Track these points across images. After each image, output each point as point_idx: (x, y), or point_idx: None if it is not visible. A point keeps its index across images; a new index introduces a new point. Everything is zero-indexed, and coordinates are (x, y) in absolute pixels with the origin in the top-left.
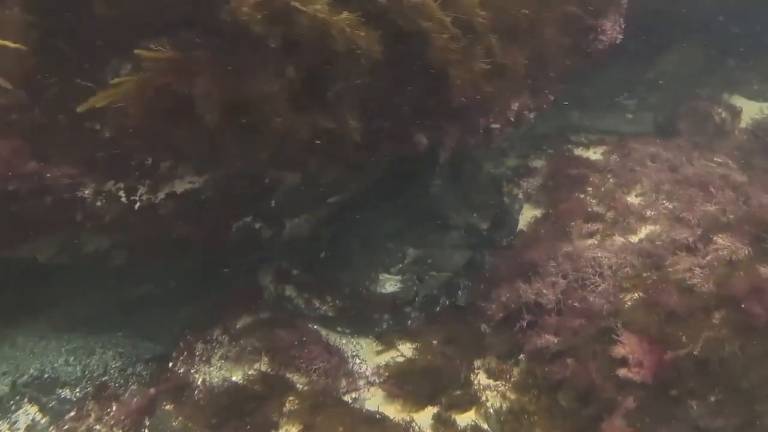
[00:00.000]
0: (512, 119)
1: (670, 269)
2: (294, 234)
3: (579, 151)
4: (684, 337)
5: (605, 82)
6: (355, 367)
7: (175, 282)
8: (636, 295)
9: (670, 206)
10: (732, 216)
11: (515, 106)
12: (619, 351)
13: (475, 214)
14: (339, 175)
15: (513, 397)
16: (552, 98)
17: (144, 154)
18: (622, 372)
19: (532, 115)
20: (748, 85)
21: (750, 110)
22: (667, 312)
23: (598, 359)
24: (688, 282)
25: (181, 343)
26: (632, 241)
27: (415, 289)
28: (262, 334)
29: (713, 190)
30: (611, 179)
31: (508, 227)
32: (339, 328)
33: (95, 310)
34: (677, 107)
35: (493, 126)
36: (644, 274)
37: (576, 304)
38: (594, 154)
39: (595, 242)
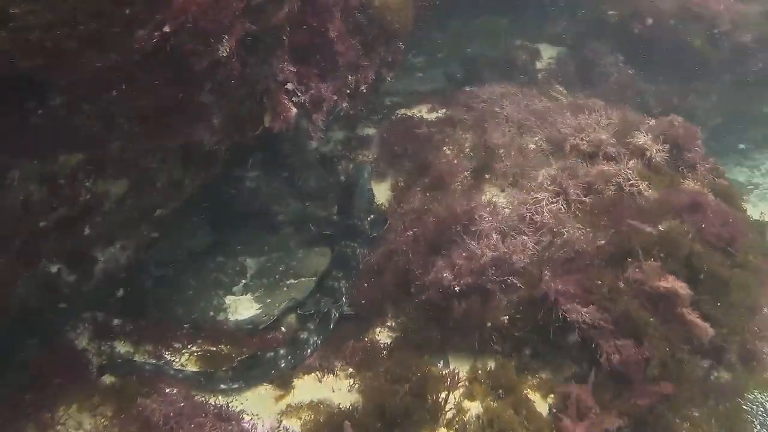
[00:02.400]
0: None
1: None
2: (109, 269)
3: (404, 112)
4: None
5: None
6: None
7: None
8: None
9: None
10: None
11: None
12: None
13: (308, 203)
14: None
15: None
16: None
17: None
18: None
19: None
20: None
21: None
22: None
23: None
24: None
25: None
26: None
27: (277, 305)
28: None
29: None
30: (469, 130)
31: (363, 208)
32: (223, 385)
33: None
34: (470, 61)
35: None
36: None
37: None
38: (426, 113)
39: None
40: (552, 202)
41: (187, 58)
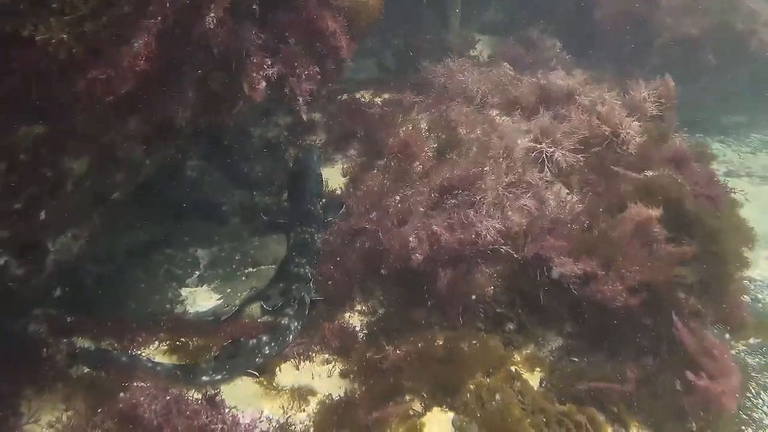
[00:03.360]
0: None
1: None
2: (61, 260)
3: (347, 97)
4: None
5: None
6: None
7: None
8: None
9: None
10: None
11: None
12: None
13: (255, 192)
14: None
15: None
16: None
17: None
18: None
19: None
20: None
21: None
22: None
23: None
24: None
25: None
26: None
27: (238, 294)
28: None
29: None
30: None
31: (314, 192)
32: (205, 377)
33: None
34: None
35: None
36: None
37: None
38: (370, 98)
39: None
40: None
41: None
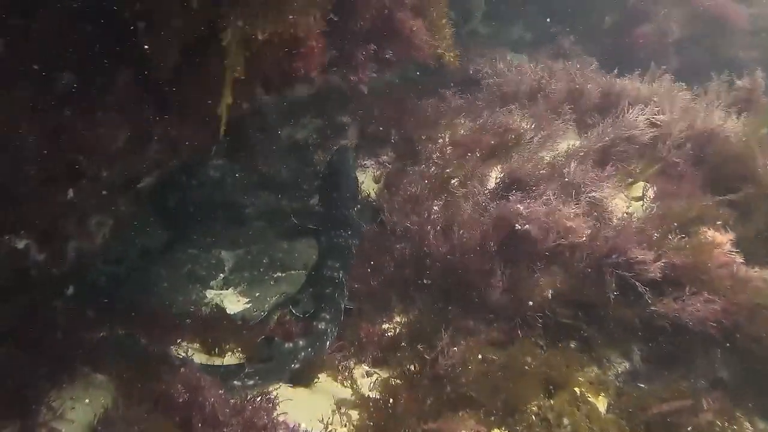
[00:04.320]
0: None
1: None
2: (83, 248)
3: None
4: None
5: None
6: None
7: None
8: None
9: None
10: None
11: None
12: None
13: (280, 195)
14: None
15: None
16: None
17: None
18: None
19: None
20: None
21: None
22: None
23: None
24: None
25: None
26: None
27: (267, 299)
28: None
29: None
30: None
31: (349, 196)
32: (237, 381)
33: None
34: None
35: None
36: None
37: None
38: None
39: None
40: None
41: None
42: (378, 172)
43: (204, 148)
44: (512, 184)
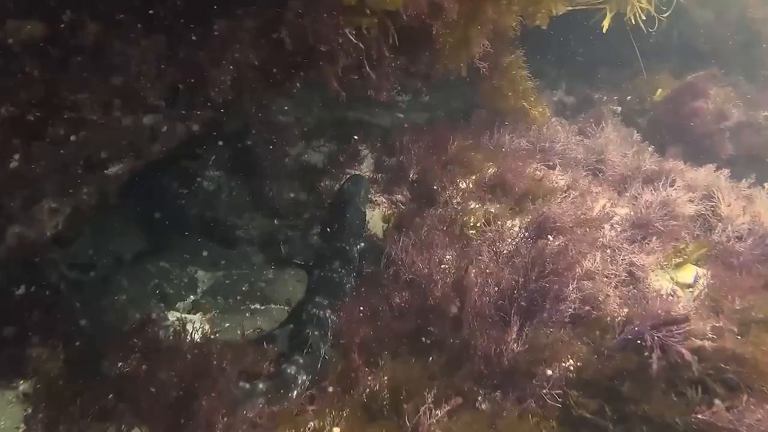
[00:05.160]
0: None
1: None
2: (27, 237)
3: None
4: None
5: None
6: None
7: None
8: None
9: None
10: None
11: None
12: None
13: (277, 221)
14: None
15: None
16: None
17: None
18: None
19: None
20: None
21: None
22: None
23: None
24: None
25: None
26: None
27: (238, 333)
28: None
29: None
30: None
31: (354, 231)
32: None
33: None
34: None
35: None
36: None
37: None
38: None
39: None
40: None
41: None
42: (389, 211)
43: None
44: (539, 235)
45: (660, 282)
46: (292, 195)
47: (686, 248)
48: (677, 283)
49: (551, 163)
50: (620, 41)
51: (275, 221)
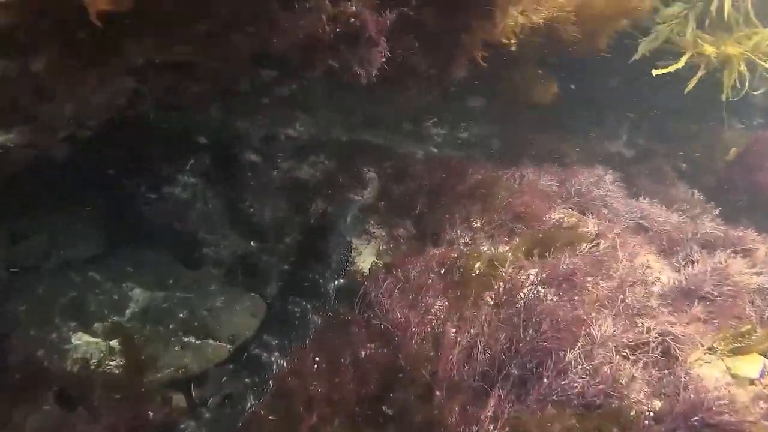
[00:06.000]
0: None
1: None
2: None
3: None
4: None
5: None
6: None
7: None
8: None
9: None
10: None
11: None
12: None
13: (254, 242)
14: None
15: None
16: None
17: None
18: None
19: None
20: None
21: None
22: None
23: None
24: None
25: None
26: None
27: (154, 371)
28: None
29: None
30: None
31: (334, 262)
32: None
33: None
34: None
35: None
36: None
37: None
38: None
39: None
40: None
41: None
42: (385, 246)
43: None
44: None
45: (710, 370)
46: (272, 213)
47: (752, 331)
48: (735, 375)
49: (584, 210)
50: (698, 92)
51: (252, 243)
